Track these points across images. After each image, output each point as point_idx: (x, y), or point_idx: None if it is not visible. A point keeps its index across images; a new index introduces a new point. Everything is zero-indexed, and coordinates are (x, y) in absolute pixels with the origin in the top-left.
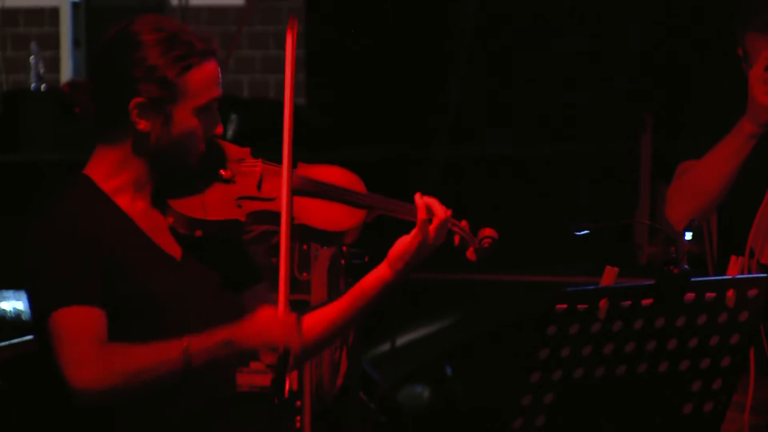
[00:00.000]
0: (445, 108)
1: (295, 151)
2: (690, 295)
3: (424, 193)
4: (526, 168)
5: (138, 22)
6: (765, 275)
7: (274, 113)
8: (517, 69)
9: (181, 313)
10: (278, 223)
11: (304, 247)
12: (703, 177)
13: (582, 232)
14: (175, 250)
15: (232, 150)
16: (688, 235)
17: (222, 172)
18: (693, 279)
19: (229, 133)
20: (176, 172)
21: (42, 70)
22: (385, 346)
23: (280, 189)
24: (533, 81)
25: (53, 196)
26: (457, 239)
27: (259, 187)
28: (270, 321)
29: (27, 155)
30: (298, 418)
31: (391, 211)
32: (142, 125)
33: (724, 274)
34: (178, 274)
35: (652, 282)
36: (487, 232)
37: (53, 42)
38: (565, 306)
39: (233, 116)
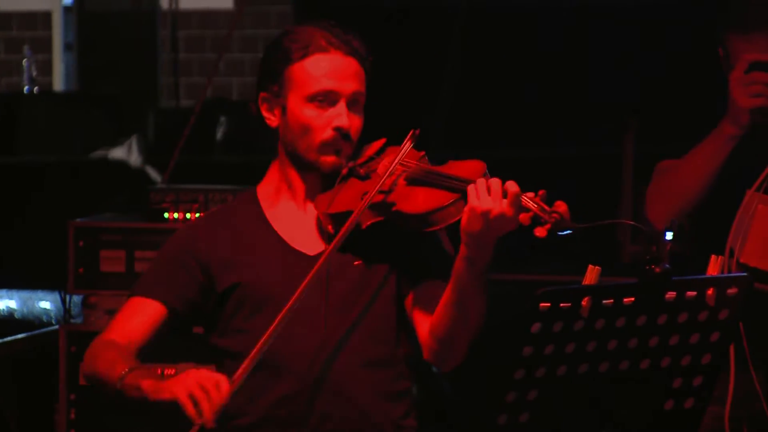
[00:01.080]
0: (436, 111)
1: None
2: (671, 294)
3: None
4: (512, 170)
5: (295, 26)
6: (744, 274)
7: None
8: (504, 71)
9: (276, 307)
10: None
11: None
12: (684, 177)
13: (565, 232)
14: (311, 247)
15: (393, 151)
16: (669, 235)
17: (360, 170)
18: (674, 278)
19: (218, 135)
20: (311, 165)
21: (35, 73)
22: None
23: (401, 182)
24: (520, 84)
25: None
26: (524, 216)
27: (386, 182)
28: (178, 380)
29: (23, 157)
30: None
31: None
32: (270, 120)
33: (699, 272)
34: (300, 269)
35: (634, 281)
36: (561, 209)
37: (46, 45)
38: (548, 304)
39: (222, 119)
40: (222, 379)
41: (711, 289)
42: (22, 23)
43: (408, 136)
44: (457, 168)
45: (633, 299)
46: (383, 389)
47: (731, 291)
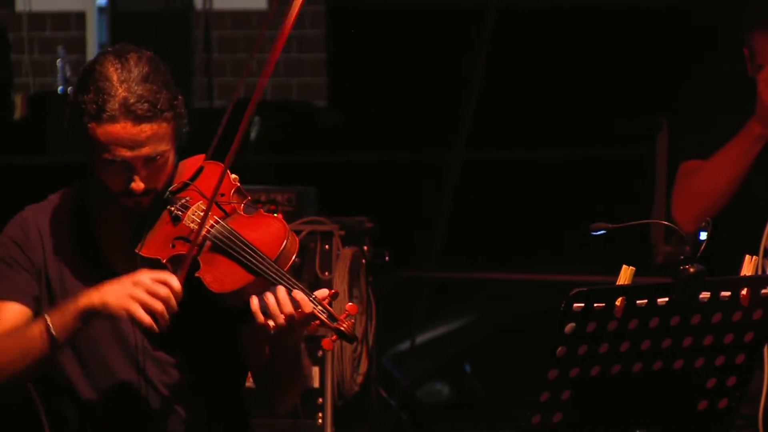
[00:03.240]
0: (461, 112)
1: (315, 153)
2: (705, 294)
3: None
4: (545, 170)
5: (105, 58)
6: None
7: (297, 115)
8: (533, 72)
9: (99, 333)
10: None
11: (326, 246)
12: (711, 178)
13: (599, 232)
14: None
15: (211, 183)
16: (703, 235)
17: (172, 208)
18: (708, 278)
19: (252, 135)
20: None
21: (68, 74)
22: (405, 344)
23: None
24: (549, 85)
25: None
26: (312, 325)
27: (191, 228)
28: (119, 288)
29: (54, 157)
30: (320, 414)
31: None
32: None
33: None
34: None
35: (667, 281)
36: (349, 309)
37: (79, 46)
38: (582, 305)
39: (256, 119)
40: (165, 275)
41: (745, 289)
42: (55, 24)
43: (220, 178)
44: (261, 230)
45: (667, 299)
46: None
47: (765, 291)
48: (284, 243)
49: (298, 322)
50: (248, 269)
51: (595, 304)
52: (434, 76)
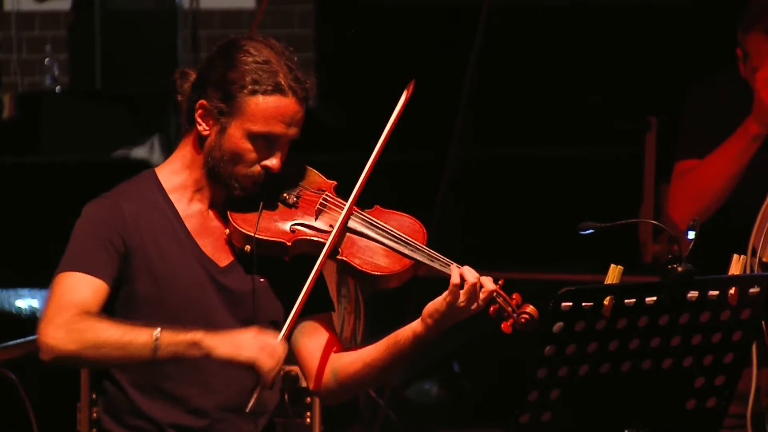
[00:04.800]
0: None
1: (307, 153)
2: (693, 293)
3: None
4: (532, 169)
5: (249, 40)
6: (767, 273)
7: None
8: (524, 73)
9: (188, 312)
10: (318, 253)
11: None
12: (708, 177)
13: (587, 231)
14: (220, 257)
15: (315, 180)
16: (692, 234)
17: (286, 195)
18: (696, 277)
19: None
20: (226, 186)
21: (57, 73)
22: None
23: (335, 223)
24: (541, 85)
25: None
26: (492, 310)
27: (317, 217)
28: (249, 339)
29: (45, 156)
30: (308, 414)
31: (430, 266)
32: (202, 128)
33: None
34: (208, 278)
35: (656, 280)
36: (529, 309)
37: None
38: (570, 304)
39: None
40: (279, 345)
41: (733, 288)
42: (44, 23)
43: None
44: (395, 222)
45: (655, 299)
46: None
47: (753, 290)
48: (425, 231)
49: (481, 301)
50: (404, 254)
51: (584, 303)
52: (427, 74)
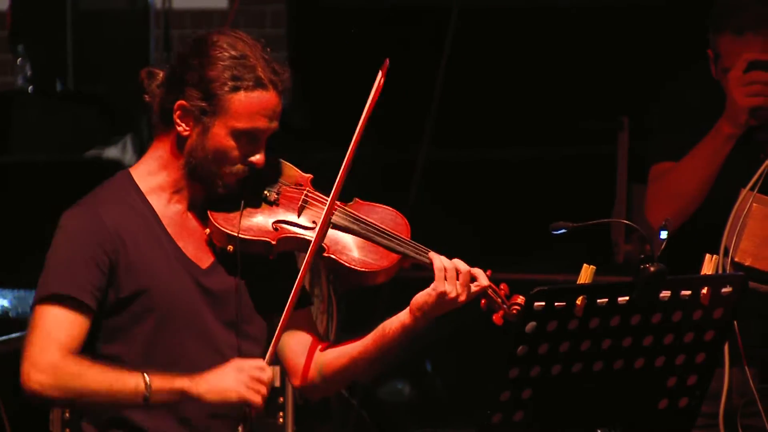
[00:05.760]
0: (427, 110)
1: (278, 152)
2: (665, 293)
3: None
4: (504, 170)
5: (221, 36)
6: (739, 273)
7: None
8: (495, 72)
9: (177, 317)
10: (304, 251)
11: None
12: (683, 179)
13: (559, 231)
14: (202, 259)
15: (293, 174)
16: (664, 234)
17: (266, 193)
18: (668, 277)
19: None
20: (209, 185)
21: (29, 72)
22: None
23: (318, 220)
24: (513, 86)
25: (94, 190)
26: (483, 302)
27: (299, 214)
28: (233, 379)
29: (16, 157)
30: (281, 413)
31: (417, 259)
32: (182, 128)
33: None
34: (192, 281)
35: (628, 280)
36: (519, 299)
37: None
38: (543, 303)
39: None
40: (261, 363)
41: (706, 288)
42: None
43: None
44: (378, 216)
45: (627, 298)
46: None
47: (726, 290)
48: (407, 224)
49: (471, 294)
50: (391, 249)
51: (556, 303)
52: (398, 74)
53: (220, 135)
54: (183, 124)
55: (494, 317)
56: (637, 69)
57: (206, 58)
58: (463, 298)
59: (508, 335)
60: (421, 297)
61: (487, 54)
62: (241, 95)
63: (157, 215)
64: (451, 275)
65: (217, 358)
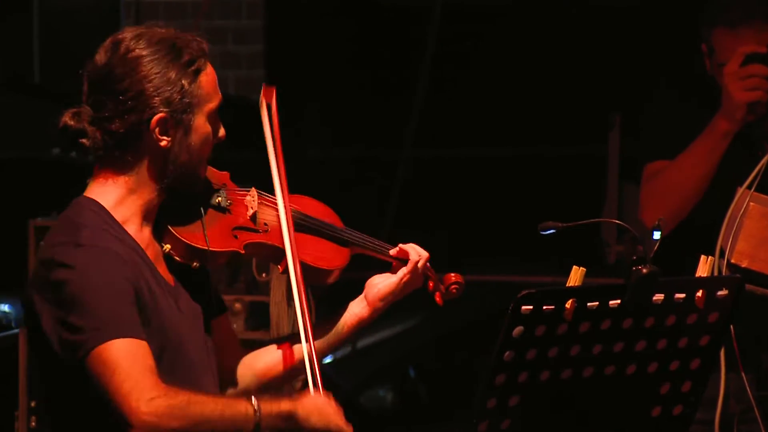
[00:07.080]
0: (410, 110)
1: (254, 152)
2: (659, 296)
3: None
4: (494, 169)
5: (127, 38)
6: (736, 275)
7: (234, 109)
8: (483, 71)
9: (180, 342)
10: (276, 259)
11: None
12: (679, 178)
13: (548, 232)
14: (168, 277)
15: (217, 175)
16: (657, 235)
17: (219, 199)
18: (662, 279)
19: None
20: (191, 186)
21: None
22: (347, 349)
23: (274, 220)
24: (500, 83)
25: (72, 222)
26: (431, 284)
27: (253, 218)
28: (328, 406)
29: None
30: None
31: (370, 249)
32: (164, 142)
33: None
34: (174, 301)
35: (619, 282)
36: (452, 278)
37: None
38: (531, 307)
39: None
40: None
41: (700, 290)
42: None
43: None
44: (313, 210)
45: (619, 302)
46: None
47: (721, 293)
48: (332, 211)
49: (420, 273)
50: (342, 242)
51: (545, 307)
52: (379, 70)
53: (201, 124)
54: (164, 137)
55: (436, 297)
56: (629, 67)
57: (145, 63)
58: (417, 283)
59: (494, 340)
60: (386, 288)
61: (474, 52)
62: (203, 76)
63: (138, 244)
64: (423, 263)
65: (214, 381)
